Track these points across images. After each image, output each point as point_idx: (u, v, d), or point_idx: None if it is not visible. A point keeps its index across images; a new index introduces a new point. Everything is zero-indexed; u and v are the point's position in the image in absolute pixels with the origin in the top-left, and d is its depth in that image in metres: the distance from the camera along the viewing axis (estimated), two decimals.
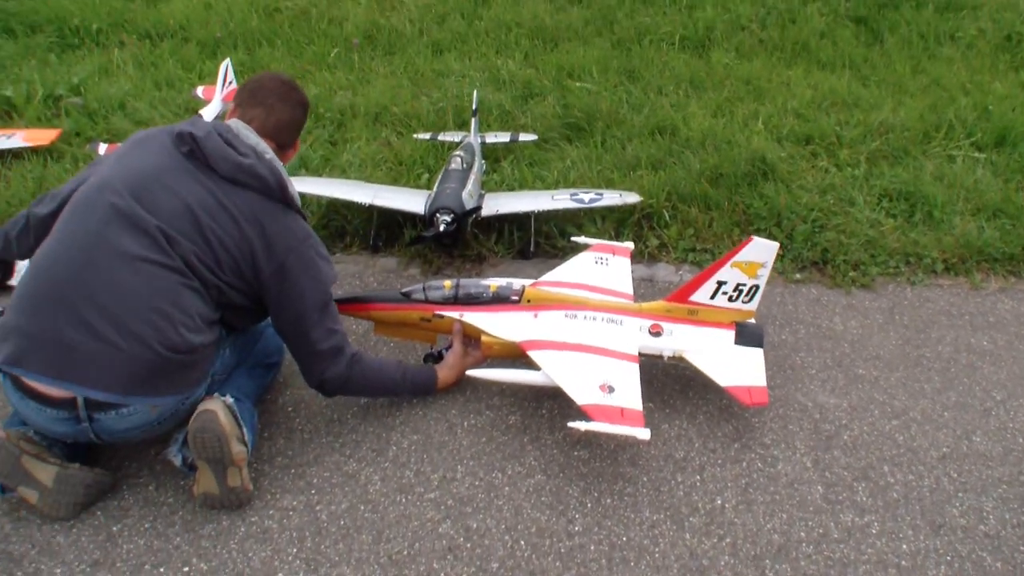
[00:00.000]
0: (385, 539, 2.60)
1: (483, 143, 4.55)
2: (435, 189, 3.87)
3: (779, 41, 6.15)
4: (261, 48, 6.05)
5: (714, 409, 3.11)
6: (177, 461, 2.71)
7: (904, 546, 2.61)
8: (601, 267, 3.48)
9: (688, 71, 5.67)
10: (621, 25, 6.34)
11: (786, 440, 2.99)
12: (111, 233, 2.50)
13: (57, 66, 5.77)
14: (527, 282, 3.20)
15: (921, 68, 5.82)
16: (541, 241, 4.07)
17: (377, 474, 2.83)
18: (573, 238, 3.82)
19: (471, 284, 3.16)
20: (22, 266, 3.38)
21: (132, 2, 6.70)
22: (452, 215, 3.65)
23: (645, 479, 2.82)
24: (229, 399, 2.64)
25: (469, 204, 3.77)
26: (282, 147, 2.88)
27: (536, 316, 3.08)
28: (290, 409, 3.09)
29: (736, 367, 3.05)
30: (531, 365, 2.94)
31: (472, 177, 3.96)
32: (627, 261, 3.56)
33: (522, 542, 2.60)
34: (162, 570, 2.50)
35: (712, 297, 3.11)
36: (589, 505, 2.72)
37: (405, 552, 2.56)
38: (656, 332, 3.10)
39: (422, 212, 3.81)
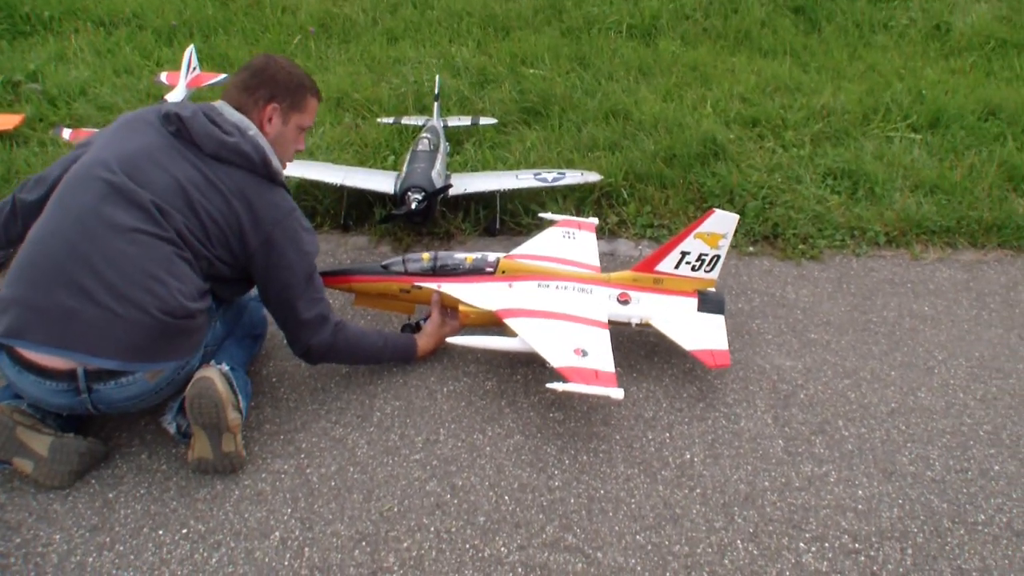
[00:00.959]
0: (376, 498, 2.71)
1: (446, 126, 4.66)
2: (404, 169, 3.97)
3: (723, 30, 6.35)
4: (217, 36, 6.07)
5: (679, 372, 3.29)
6: (172, 429, 2.78)
7: (860, 492, 2.80)
8: (569, 240, 3.63)
9: (637, 58, 5.83)
10: (570, 14, 6.48)
11: (747, 399, 3.17)
12: (106, 207, 2.56)
13: (10, 53, 5.73)
14: (501, 254, 3.33)
15: (858, 55, 6.07)
16: (506, 219, 4.20)
17: (363, 438, 2.94)
18: (540, 214, 3.97)
19: (448, 256, 3.29)
20: None
21: None
22: (423, 193, 3.76)
23: (618, 437, 2.98)
24: (225, 367, 2.73)
25: (439, 183, 3.88)
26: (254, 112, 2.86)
27: (511, 286, 3.22)
28: (275, 380, 3.18)
29: (700, 332, 3.22)
30: (507, 333, 3.09)
31: (439, 157, 4.07)
32: (593, 235, 3.73)
33: (506, 497, 2.73)
34: (160, 532, 2.58)
35: (676, 267, 3.28)
36: (567, 462, 2.87)
37: (396, 509, 2.68)
38: (624, 300, 3.26)
39: (392, 192, 3.92)
